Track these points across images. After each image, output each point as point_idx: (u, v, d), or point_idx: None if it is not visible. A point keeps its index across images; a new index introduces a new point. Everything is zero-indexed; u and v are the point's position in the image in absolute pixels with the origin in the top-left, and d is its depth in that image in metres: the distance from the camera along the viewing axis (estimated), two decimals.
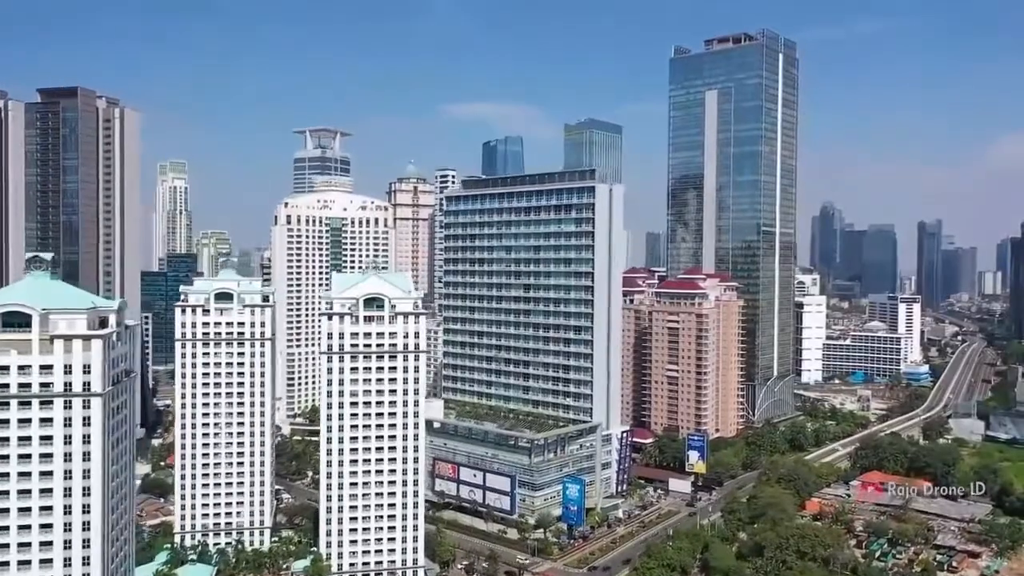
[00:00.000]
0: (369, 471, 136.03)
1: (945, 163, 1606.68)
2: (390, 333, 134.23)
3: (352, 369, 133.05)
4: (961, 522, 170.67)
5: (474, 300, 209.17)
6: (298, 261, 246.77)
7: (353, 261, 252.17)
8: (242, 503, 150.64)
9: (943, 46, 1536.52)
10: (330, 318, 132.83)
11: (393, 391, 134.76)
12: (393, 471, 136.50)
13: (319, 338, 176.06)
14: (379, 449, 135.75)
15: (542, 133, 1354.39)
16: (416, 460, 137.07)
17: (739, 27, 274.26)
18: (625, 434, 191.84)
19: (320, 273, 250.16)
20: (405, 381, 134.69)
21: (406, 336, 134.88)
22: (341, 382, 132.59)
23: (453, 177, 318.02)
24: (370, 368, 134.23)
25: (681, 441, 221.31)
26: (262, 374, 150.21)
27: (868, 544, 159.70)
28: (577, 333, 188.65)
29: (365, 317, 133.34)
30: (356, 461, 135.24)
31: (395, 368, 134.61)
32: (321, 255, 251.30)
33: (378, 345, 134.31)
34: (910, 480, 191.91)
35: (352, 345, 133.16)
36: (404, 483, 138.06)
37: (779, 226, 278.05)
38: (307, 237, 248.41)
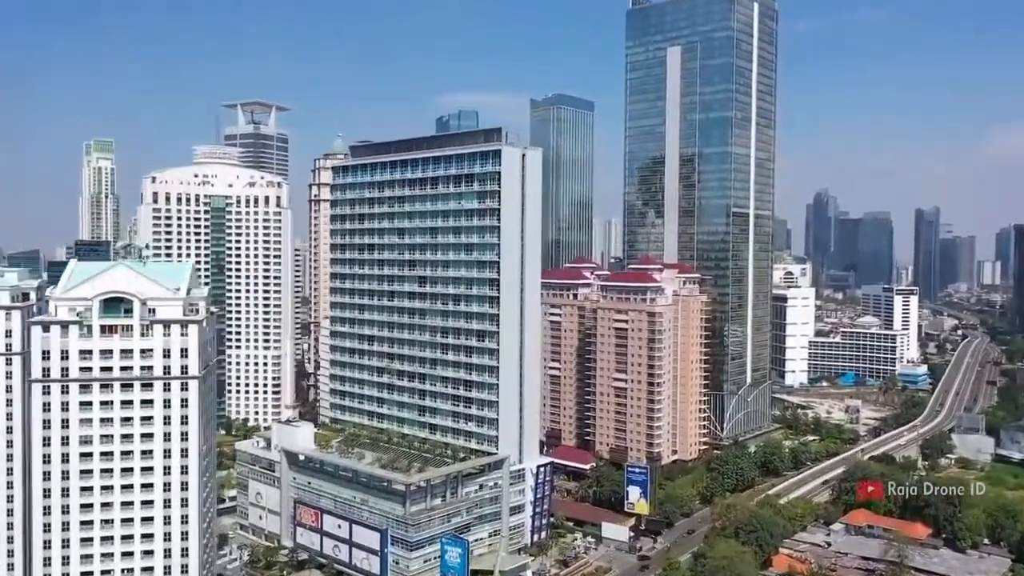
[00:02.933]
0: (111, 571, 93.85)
1: (943, 151, 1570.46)
2: (142, 351, 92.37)
3: (82, 406, 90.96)
4: None
5: (363, 296, 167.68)
6: (168, 250, 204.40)
7: (239, 249, 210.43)
8: None
9: (942, 34, 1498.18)
10: (46, 329, 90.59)
11: (148, 437, 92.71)
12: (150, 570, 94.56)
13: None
14: (127, 538, 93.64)
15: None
16: (186, 551, 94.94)
17: None
18: (543, 469, 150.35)
19: (198, 264, 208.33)
20: (167, 422, 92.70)
21: (167, 355, 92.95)
22: (64, 425, 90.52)
23: None
24: (110, 404, 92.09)
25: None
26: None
27: None
28: (480, 340, 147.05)
29: (103, 327, 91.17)
30: (90, 557, 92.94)
31: (151, 403, 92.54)
32: (199, 242, 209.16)
33: (122, 369, 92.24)
34: (906, 525, 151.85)
35: (81, 369, 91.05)
36: None
37: (753, 207, 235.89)
38: (181, 219, 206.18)
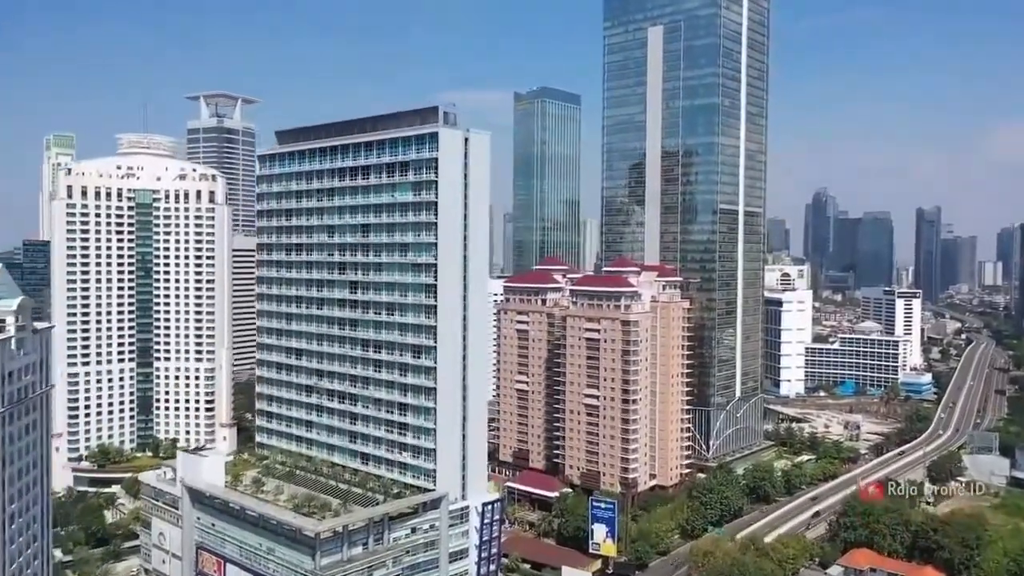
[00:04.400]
0: None
1: (943, 151, 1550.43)
2: None
3: None
4: None
5: (290, 304, 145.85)
6: (84, 251, 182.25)
7: (168, 250, 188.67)
8: None
9: (941, 32, 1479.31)
10: None
11: None
12: None
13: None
14: None
15: None
16: None
17: None
18: (491, 507, 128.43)
19: (121, 268, 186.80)
20: None
21: None
22: None
23: None
24: None
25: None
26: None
27: None
28: (416, 356, 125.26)
29: None
30: None
31: None
32: (122, 242, 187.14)
33: None
34: (915, 569, 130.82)
35: None
36: None
37: (743, 204, 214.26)
38: (100, 217, 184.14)
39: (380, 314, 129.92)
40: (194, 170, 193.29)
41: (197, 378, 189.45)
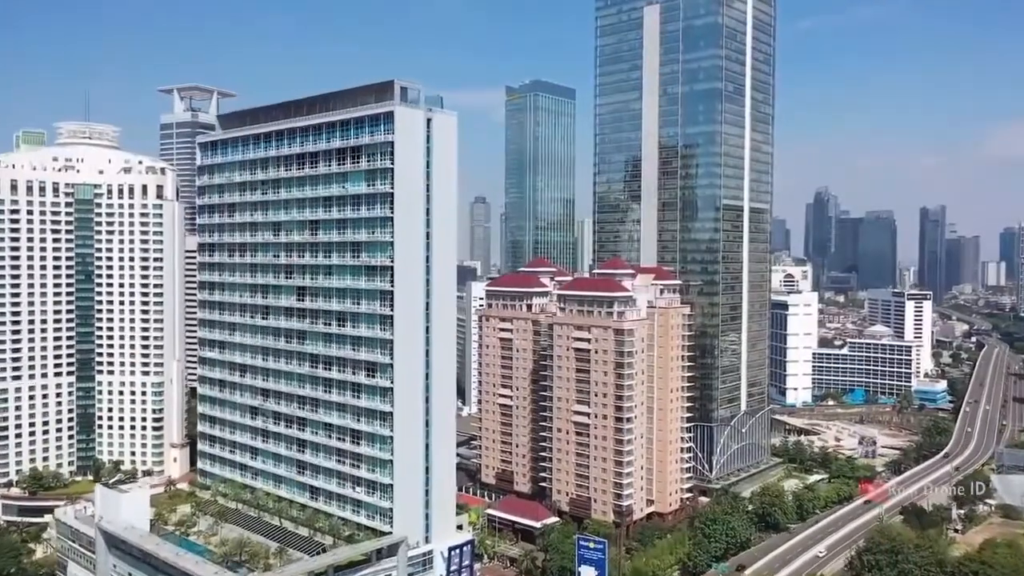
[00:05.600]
0: None
1: (944, 150, 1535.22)
2: None
3: None
4: None
5: (234, 312, 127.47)
6: (16, 254, 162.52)
7: (111, 251, 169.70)
8: None
9: (943, 32, 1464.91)
10: None
11: None
12: None
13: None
14: None
15: None
16: None
17: None
18: (459, 552, 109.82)
19: (58, 271, 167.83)
20: None
21: None
22: None
23: None
24: None
25: (588, 527, 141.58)
26: None
27: None
28: (371, 375, 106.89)
29: None
30: None
31: None
32: (59, 243, 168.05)
33: None
34: None
35: None
36: None
37: (748, 200, 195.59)
38: (34, 214, 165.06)
39: (330, 325, 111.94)
40: (140, 162, 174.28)
41: (144, 393, 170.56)
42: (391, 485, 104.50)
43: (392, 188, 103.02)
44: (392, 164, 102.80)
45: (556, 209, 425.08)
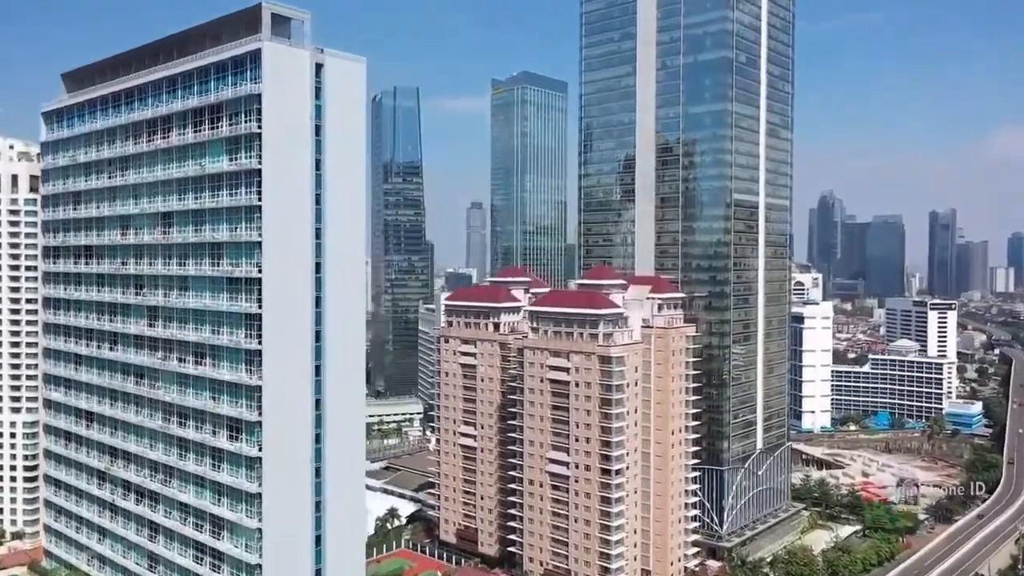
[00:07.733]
0: None
1: (951, 155, 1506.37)
2: None
3: None
4: None
5: (79, 340, 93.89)
6: None
7: None
8: None
9: (948, 37, 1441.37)
10: None
11: None
12: None
13: None
14: None
15: None
16: None
17: None
18: None
19: None
20: None
21: None
22: None
23: None
24: None
25: None
26: None
27: None
28: (234, 436, 73.26)
29: None
30: None
31: None
32: None
33: None
34: None
35: None
36: None
37: (764, 194, 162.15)
38: None
39: (186, 363, 78.18)
40: (12, 147, 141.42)
41: (13, 435, 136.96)
42: (258, 566, 70.88)
43: (260, 163, 69.68)
44: (260, 128, 69.49)
45: (547, 212, 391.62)
